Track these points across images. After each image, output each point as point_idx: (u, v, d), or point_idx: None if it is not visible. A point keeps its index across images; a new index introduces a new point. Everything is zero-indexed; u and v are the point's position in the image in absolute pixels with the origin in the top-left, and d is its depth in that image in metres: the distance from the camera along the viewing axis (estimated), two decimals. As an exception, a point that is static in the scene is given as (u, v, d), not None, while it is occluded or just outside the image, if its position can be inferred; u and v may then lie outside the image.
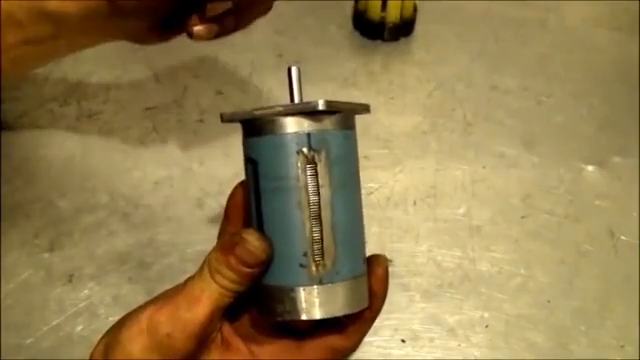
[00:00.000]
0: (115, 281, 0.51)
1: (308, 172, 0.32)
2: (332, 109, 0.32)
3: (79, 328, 0.48)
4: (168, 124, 0.61)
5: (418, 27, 0.71)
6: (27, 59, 0.43)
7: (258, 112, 0.33)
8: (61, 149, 0.59)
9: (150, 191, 0.56)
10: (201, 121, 0.61)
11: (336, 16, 0.72)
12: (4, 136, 0.59)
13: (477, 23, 0.73)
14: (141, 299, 0.49)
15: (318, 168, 0.32)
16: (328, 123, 0.33)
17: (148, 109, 0.62)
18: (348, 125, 0.34)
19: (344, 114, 0.33)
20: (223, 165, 0.58)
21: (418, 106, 0.65)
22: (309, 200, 0.32)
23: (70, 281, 0.51)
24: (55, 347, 0.48)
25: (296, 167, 0.32)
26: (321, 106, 0.31)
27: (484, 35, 0.72)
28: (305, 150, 0.32)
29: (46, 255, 0.52)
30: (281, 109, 0.32)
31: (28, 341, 0.48)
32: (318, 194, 0.32)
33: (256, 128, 0.33)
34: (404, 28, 0.71)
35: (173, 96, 0.63)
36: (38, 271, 0.51)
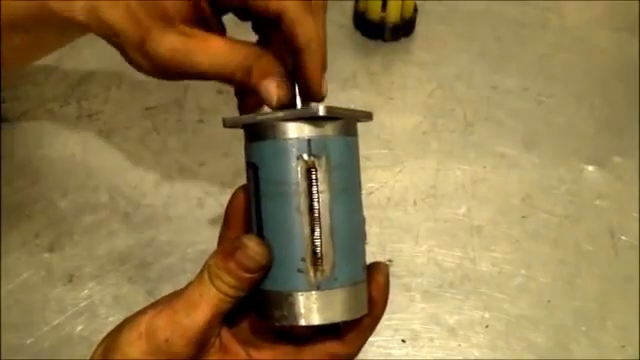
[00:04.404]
0: (115, 281, 0.51)
1: (308, 177, 0.32)
2: (332, 115, 0.32)
3: (79, 328, 0.48)
4: (168, 124, 0.61)
5: (418, 27, 0.71)
6: (30, 55, 0.44)
7: (259, 117, 0.33)
8: (61, 149, 0.59)
9: (150, 191, 0.56)
10: (201, 121, 0.61)
11: (336, 16, 0.72)
12: (5, 136, 0.59)
13: (477, 23, 0.73)
14: (141, 299, 0.50)
15: (318, 174, 0.32)
16: (329, 129, 0.33)
17: (148, 109, 0.62)
18: (349, 132, 0.34)
19: (345, 120, 0.33)
20: (223, 165, 0.58)
21: (418, 106, 0.65)
22: (308, 205, 0.32)
23: (70, 281, 0.51)
24: (55, 347, 0.48)
25: (296, 172, 0.32)
26: (321, 112, 0.31)
27: (484, 35, 0.72)
28: (305, 155, 0.32)
29: (46, 255, 0.52)
30: (282, 114, 0.32)
31: (28, 341, 0.48)
32: (317, 200, 0.32)
33: (257, 133, 0.33)
34: (404, 28, 0.71)
35: (173, 96, 0.63)
36: (38, 271, 0.51)
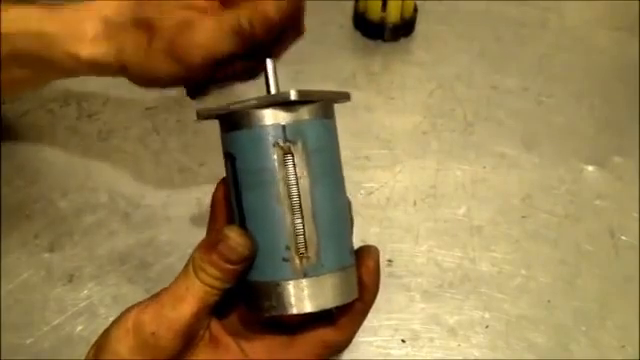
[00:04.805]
0: (115, 281, 0.51)
1: (285, 164, 0.32)
2: (306, 99, 0.31)
3: (79, 328, 0.48)
4: (168, 124, 0.61)
5: (418, 27, 0.71)
6: (29, 87, 0.47)
7: (233, 106, 0.32)
8: (61, 149, 0.59)
9: (150, 191, 0.56)
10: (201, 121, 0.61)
11: (336, 16, 0.72)
12: (5, 137, 0.59)
13: (477, 23, 0.73)
14: (141, 299, 0.49)
15: (295, 159, 0.32)
16: (304, 113, 0.32)
17: (148, 109, 0.62)
18: (326, 114, 0.33)
19: (320, 103, 0.33)
20: (223, 165, 0.58)
21: (418, 106, 0.65)
22: (288, 192, 0.32)
23: (70, 281, 0.51)
24: (55, 347, 0.48)
25: (273, 160, 0.31)
26: (293, 96, 0.31)
27: (484, 35, 0.72)
28: (281, 142, 0.31)
29: (46, 255, 0.52)
30: (255, 102, 0.32)
31: (28, 341, 0.48)
32: (297, 186, 0.32)
33: (232, 123, 0.33)
34: (404, 28, 0.71)
35: (173, 96, 0.63)
36: (38, 271, 0.51)
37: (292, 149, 0.32)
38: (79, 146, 0.59)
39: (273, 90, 0.34)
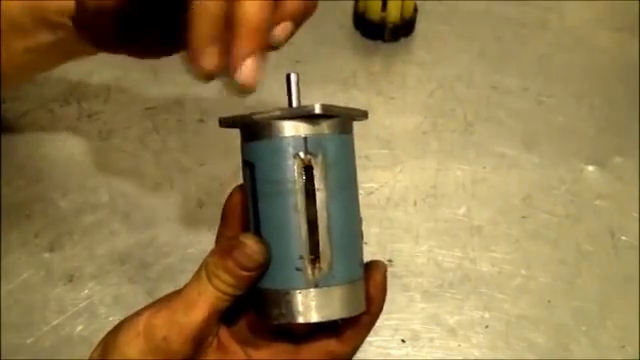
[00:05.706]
0: (115, 281, 0.51)
1: (304, 176, 0.32)
2: (329, 113, 0.32)
3: (79, 328, 0.48)
4: (168, 124, 0.61)
5: (418, 27, 0.71)
6: (29, 66, 0.45)
7: (256, 116, 0.33)
8: (61, 149, 0.59)
9: (150, 191, 0.56)
10: (201, 121, 0.61)
11: (336, 16, 0.72)
12: (5, 136, 0.59)
13: (477, 23, 0.73)
14: (141, 299, 0.50)
15: (314, 172, 0.32)
16: (325, 127, 0.33)
17: (148, 109, 0.62)
18: (345, 130, 0.34)
19: (341, 119, 0.34)
20: (223, 165, 0.58)
21: (418, 106, 0.65)
22: (305, 204, 0.32)
23: (70, 281, 0.51)
24: (55, 347, 0.48)
25: (292, 171, 0.32)
26: (317, 110, 0.31)
27: (484, 35, 0.72)
28: (301, 154, 0.32)
29: (46, 255, 0.52)
30: (278, 113, 0.32)
31: (28, 341, 0.48)
32: (314, 198, 0.32)
33: (253, 132, 0.33)
34: (404, 28, 0.71)
35: (173, 96, 0.63)
36: (38, 271, 0.51)
37: (312, 161, 0.32)
38: (79, 146, 0.59)
39: (295, 103, 0.35)
